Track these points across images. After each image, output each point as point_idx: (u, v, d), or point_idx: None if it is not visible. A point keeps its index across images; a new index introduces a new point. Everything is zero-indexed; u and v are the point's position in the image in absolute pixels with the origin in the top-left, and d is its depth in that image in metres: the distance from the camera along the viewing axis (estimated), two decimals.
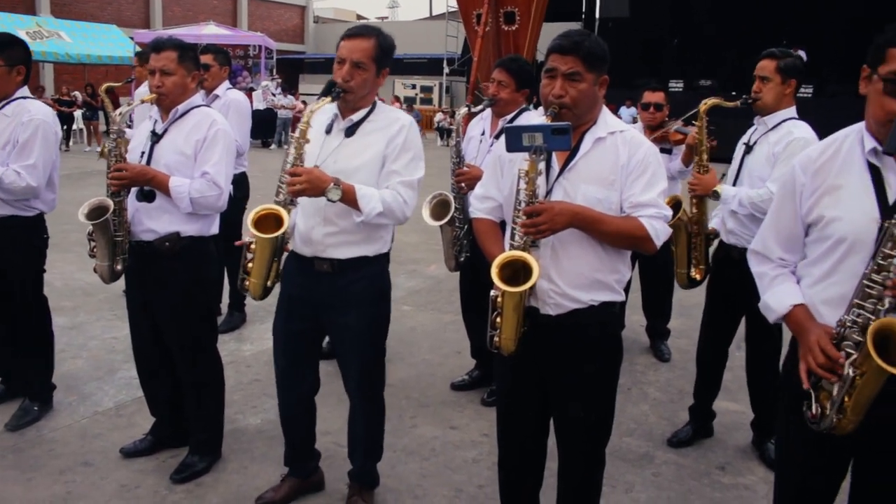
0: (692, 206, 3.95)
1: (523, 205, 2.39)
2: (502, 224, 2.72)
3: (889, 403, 1.99)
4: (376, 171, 2.92)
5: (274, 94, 22.14)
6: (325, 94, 2.83)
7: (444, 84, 31.90)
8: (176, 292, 3.36)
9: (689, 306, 5.98)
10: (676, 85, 23.58)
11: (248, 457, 3.76)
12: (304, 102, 23.08)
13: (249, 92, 24.01)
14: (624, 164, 2.47)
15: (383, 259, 3.13)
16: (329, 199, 2.76)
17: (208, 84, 5.19)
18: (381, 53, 2.88)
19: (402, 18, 48.57)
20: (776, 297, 2.25)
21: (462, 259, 4.28)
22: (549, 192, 2.48)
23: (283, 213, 2.77)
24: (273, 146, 21.31)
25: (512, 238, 2.47)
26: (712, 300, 4.02)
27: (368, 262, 3.03)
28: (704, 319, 4.10)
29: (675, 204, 3.94)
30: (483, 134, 4.33)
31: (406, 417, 4.32)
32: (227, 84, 5.38)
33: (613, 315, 2.64)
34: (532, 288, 2.39)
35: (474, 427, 4.21)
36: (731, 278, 3.73)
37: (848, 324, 1.99)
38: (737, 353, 4.18)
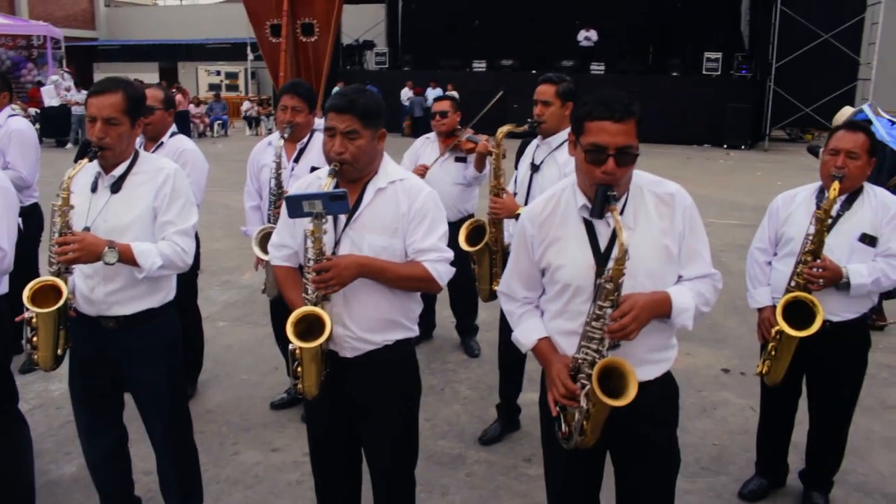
0: (490, 227, 4.15)
1: (312, 262, 2.54)
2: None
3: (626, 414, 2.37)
4: (149, 225, 2.95)
5: (67, 90, 20.64)
6: (81, 156, 2.81)
7: (250, 70, 31.07)
8: None
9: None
10: (479, 65, 24.38)
11: None
12: None
13: (38, 87, 22.33)
14: (405, 213, 2.67)
15: (170, 307, 3.15)
16: (106, 263, 2.76)
17: None
18: (132, 105, 2.88)
19: (200, 1, 46.39)
20: (524, 333, 2.59)
21: None
22: (337, 243, 2.65)
23: (60, 283, 2.73)
24: (69, 145, 19.86)
25: (305, 292, 2.61)
26: None
27: (155, 314, 3.06)
28: (501, 321, 4.41)
29: (480, 228, 4.16)
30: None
31: (227, 444, 4.37)
32: (7, 111, 5.06)
33: (408, 352, 2.87)
34: (329, 335, 2.56)
35: (296, 447, 4.31)
36: None
37: (580, 360, 2.35)
38: None
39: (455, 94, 23.32)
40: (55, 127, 19.89)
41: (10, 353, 3.42)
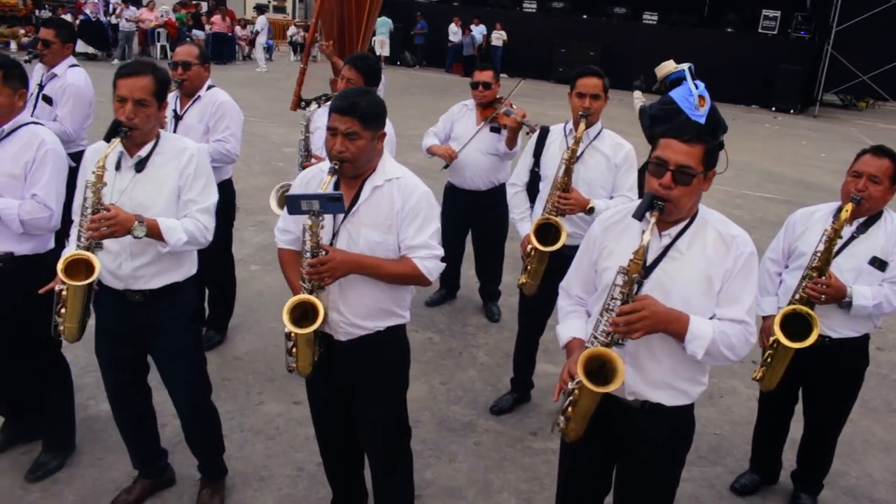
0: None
1: (308, 255, 2.74)
2: None
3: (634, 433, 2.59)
4: (174, 204, 3.09)
5: (113, 8, 20.63)
6: (112, 135, 2.90)
7: None
8: (9, 309, 3.37)
9: (520, 261, 6.46)
10: (530, 6, 24.00)
11: (102, 447, 3.94)
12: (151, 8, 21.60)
13: None
14: (399, 210, 2.84)
15: (192, 281, 3.32)
16: (135, 237, 2.91)
17: (48, 60, 5.05)
18: (160, 87, 3.03)
19: None
20: (564, 329, 2.77)
21: None
22: (335, 235, 2.85)
23: (93, 258, 2.86)
24: (115, 60, 19.73)
25: (302, 280, 2.81)
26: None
27: (178, 288, 3.22)
28: (522, 300, 4.57)
29: (549, 226, 4.00)
30: None
31: (253, 394, 4.63)
32: (69, 61, 5.16)
33: (398, 337, 3.08)
34: (322, 323, 2.77)
35: None
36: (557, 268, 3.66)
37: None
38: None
39: (503, 34, 23.10)
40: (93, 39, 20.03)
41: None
